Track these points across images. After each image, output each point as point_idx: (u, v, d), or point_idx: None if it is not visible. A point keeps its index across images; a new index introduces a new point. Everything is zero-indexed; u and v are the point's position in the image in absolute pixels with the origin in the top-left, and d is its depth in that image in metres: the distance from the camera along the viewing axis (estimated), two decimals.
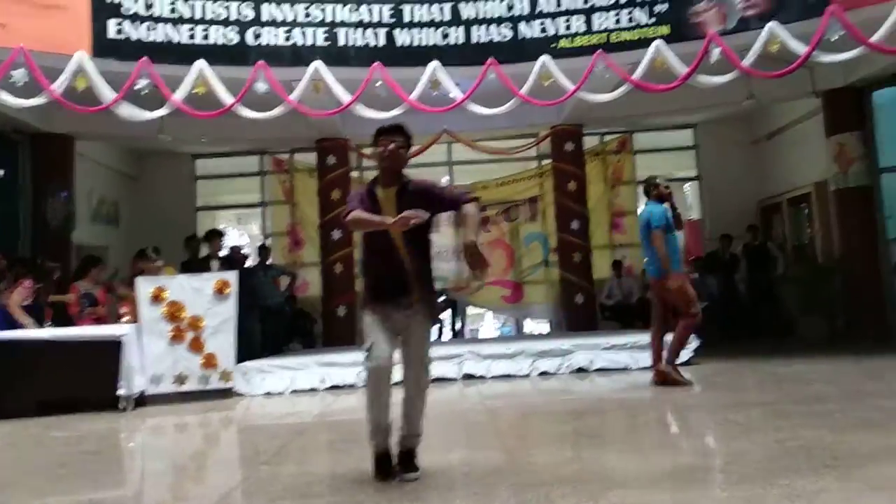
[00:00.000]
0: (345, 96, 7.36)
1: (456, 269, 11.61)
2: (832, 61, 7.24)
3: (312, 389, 7.33)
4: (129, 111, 6.98)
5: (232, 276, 7.32)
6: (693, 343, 7.61)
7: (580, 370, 7.47)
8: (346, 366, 7.36)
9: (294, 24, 7.63)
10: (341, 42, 7.68)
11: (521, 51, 7.79)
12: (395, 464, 3.37)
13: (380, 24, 7.77)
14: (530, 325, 13.95)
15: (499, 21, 7.89)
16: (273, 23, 7.58)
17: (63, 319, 7.40)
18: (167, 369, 6.99)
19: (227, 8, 7.49)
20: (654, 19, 7.73)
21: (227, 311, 7.20)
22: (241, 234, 14.61)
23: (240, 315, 7.37)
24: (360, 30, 7.73)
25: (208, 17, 7.41)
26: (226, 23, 7.47)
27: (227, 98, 7.09)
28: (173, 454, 4.92)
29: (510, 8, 7.91)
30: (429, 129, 9.65)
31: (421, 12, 7.85)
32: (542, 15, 7.89)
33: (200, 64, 7.04)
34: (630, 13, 7.79)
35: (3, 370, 6.52)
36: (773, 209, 11.80)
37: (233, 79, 7.13)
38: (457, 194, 3.40)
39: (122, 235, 11.07)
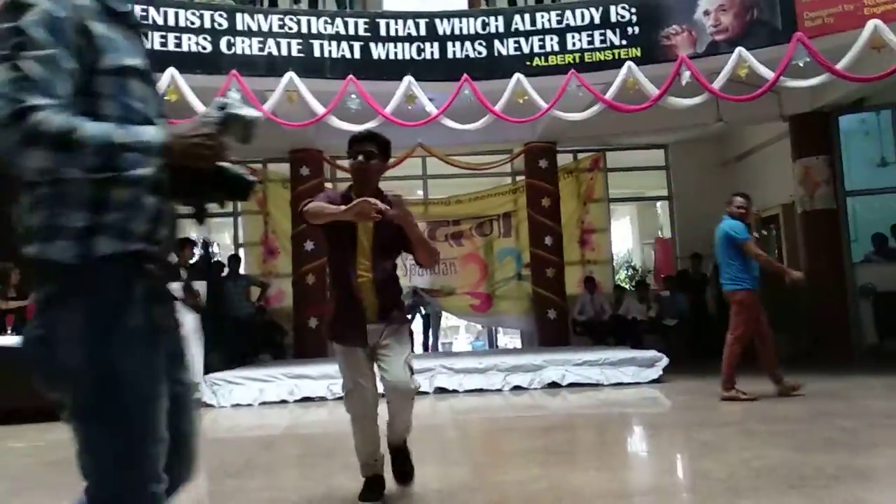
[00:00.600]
0: (319, 108, 7.34)
1: (429, 280, 11.66)
2: (799, 86, 7.43)
3: (282, 401, 7.24)
4: None
5: (201, 287, 7.22)
6: (662, 361, 7.69)
7: (552, 385, 7.48)
8: (317, 378, 7.28)
9: (269, 33, 7.59)
10: (316, 53, 7.66)
11: (495, 68, 7.85)
12: (391, 468, 3.33)
13: (355, 37, 7.77)
14: (503, 339, 13.99)
15: (474, 38, 7.94)
16: (247, 32, 7.54)
17: (24, 326, 7.23)
18: None
19: (200, 16, 7.43)
20: (626, 41, 7.84)
21: (194, 321, 7.08)
22: (214, 244, 14.44)
23: (209, 326, 7.26)
24: (335, 42, 7.72)
25: (181, 24, 7.34)
26: (199, 31, 7.40)
27: (198, 106, 7.01)
28: None
29: (485, 25, 7.97)
30: (404, 142, 9.62)
31: (397, 27, 7.87)
32: (517, 33, 7.96)
33: (172, 71, 6.97)
34: (603, 34, 7.89)
35: None
36: None
37: (205, 87, 7.06)
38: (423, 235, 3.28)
39: None
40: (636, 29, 7.84)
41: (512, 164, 11.66)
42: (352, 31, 7.79)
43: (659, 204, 13.67)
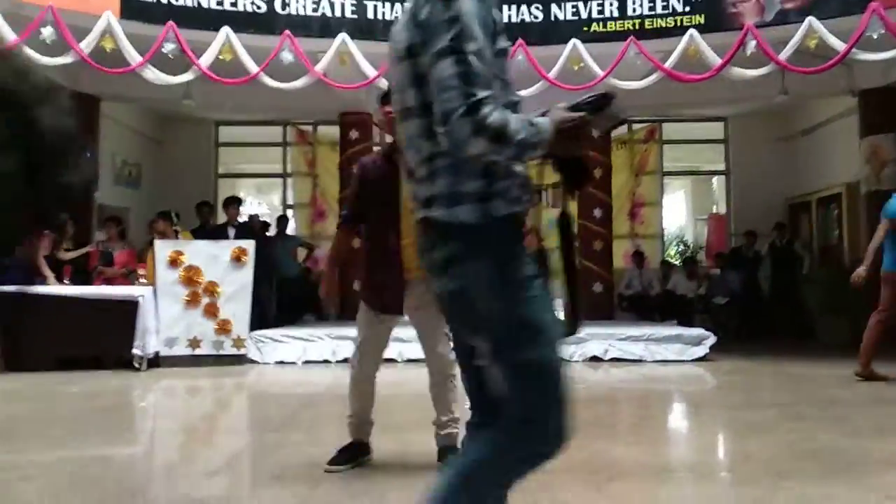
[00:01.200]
0: (370, 70, 7.30)
1: None
2: (871, 60, 7.05)
3: (325, 361, 7.35)
4: (154, 75, 6.99)
5: (249, 245, 7.33)
6: (709, 339, 7.53)
7: (594, 359, 7.41)
8: None
9: None
10: (370, 15, 7.60)
11: (552, 33, 7.67)
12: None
13: None
14: None
15: (530, 1, 7.75)
16: None
17: (81, 277, 7.52)
18: (181, 332, 7.05)
19: None
20: (689, 7, 7.56)
21: (243, 278, 7.23)
22: (259, 204, 14.66)
23: (255, 284, 7.40)
24: (388, 3, 7.64)
25: None
26: None
27: (252, 66, 7.06)
28: (183, 415, 4.97)
29: None
30: None
31: None
32: None
33: (227, 30, 7.01)
34: (665, 0, 7.61)
35: (24, 325, 6.66)
36: (801, 208, 11.58)
37: (259, 47, 7.10)
38: None
39: (144, 198, 11.13)
40: None
41: None
42: None
43: (715, 179, 13.28)
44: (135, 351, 6.71)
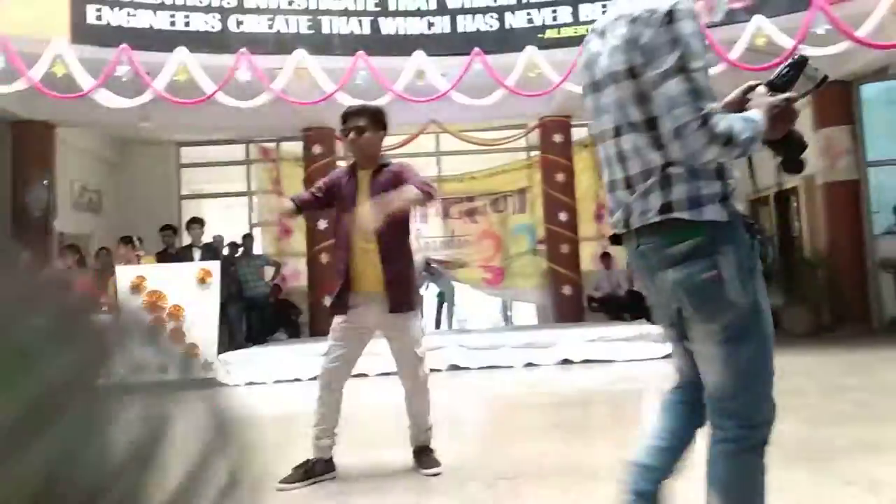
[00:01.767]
0: (329, 85, 7.30)
1: (443, 255, 11.67)
2: (819, 55, 7.22)
3: (296, 379, 7.29)
4: (108, 98, 6.91)
5: (214, 266, 7.26)
6: None
7: (565, 361, 7.46)
8: None
9: (277, 10, 7.55)
10: (325, 30, 7.61)
11: (507, 41, 7.74)
12: (413, 462, 3.35)
13: (364, 13, 7.70)
14: (519, 316, 13.95)
15: (485, 11, 7.83)
16: (256, 10, 7.51)
17: None
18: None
19: None
20: None
21: (208, 300, 7.15)
22: (226, 223, 14.54)
23: (223, 305, 7.32)
24: (344, 18, 7.66)
25: (190, 3, 7.32)
26: (207, 9, 7.38)
27: (208, 86, 7.02)
28: None
29: None
30: (416, 119, 9.59)
31: (406, 1, 7.77)
32: (528, 5, 7.84)
33: (181, 51, 6.96)
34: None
35: None
36: (760, 203, 11.80)
37: (215, 66, 7.06)
38: (418, 180, 3.15)
39: (105, 223, 10.96)
40: None
41: (527, 139, 11.54)
42: (360, 7, 7.72)
43: None
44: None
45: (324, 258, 10.03)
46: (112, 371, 0.60)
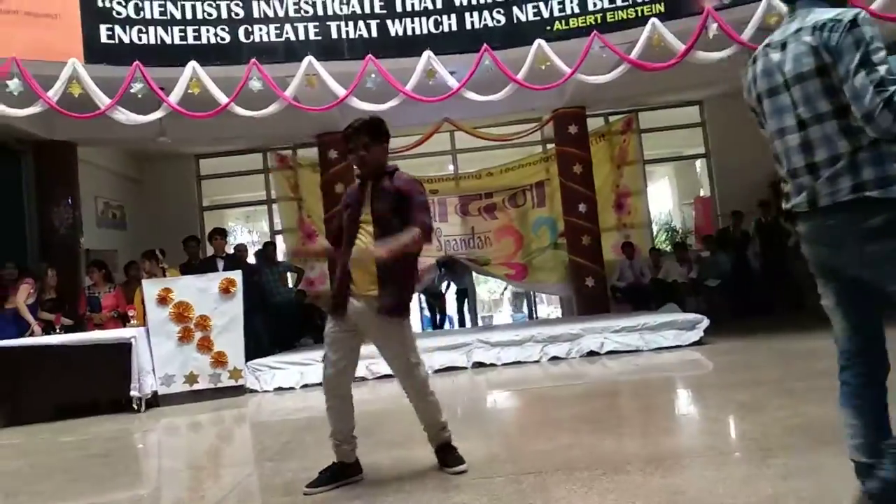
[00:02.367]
0: (340, 90, 7.34)
1: (465, 253, 11.68)
2: None
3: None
4: (125, 116, 7.01)
5: (237, 275, 7.34)
6: (702, 323, 7.55)
7: (591, 353, 7.42)
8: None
9: (286, 19, 7.60)
10: (334, 35, 7.65)
11: (515, 36, 7.71)
12: (437, 462, 3.37)
13: (371, 16, 7.72)
14: (544, 309, 13.93)
15: (491, 6, 7.81)
16: (264, 19, 7.56)
17: (74, 323, 7.56)
18: (178, 369, 7.05)
19: (217, 7, 7.48)
20: None
21: (233, 309, 7.24)
22: (250, 232, 14.70)
23: (247, 313, 7.40)
24: (351, 22, 7.69)
25: (199, 16, 7.40)
26: (216, 22, 7.45)
27: (221, 97, 7.09)
28: (181, 454, 4.96)
29: None
30: (429, 118, 9.62)
31: (413, 1, 7.78)
32: None
33: (193, 65, 7.04)
34: None
35: (20, 377, 6.67)
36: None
37: (227, 78, 7.14)
38: (415, 216, 3.14)
39: (130, 238, 11.15)
40: None
41: (542, 132, 11.49)
42: (367, 10, 7.75)
43: (698, 162, 13.33)
44: (132, 392, 6.71)
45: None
46: None
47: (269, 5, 7.59)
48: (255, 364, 7.51)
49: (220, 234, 8.53)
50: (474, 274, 12.20)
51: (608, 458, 3.26)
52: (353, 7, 7.71)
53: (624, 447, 3.46)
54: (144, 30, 7.25)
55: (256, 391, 7.33)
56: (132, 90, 6.90)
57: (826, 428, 3.31)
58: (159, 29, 7.31)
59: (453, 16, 7.78)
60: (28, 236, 8.88)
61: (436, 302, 11.83)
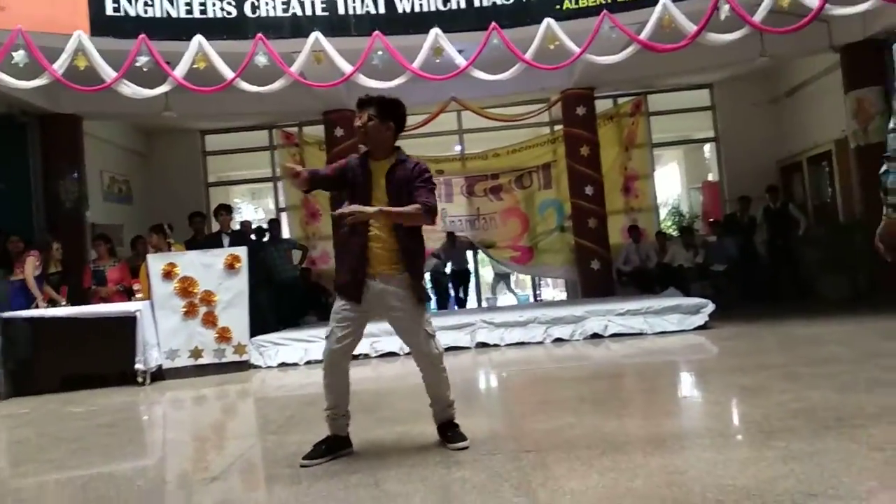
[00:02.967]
0: (346, 66, 7.29)
1: (469, 235, 11.65)
2: (848, 13, 7.01)
3: None
4: (130, 89, 6.98)
5: (242, 251, 7.35)
6: (707, 307, 7.54)
7: (595, 336, 7.43)
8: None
9: None
10: (341, 11, 7.57)
11: (524, 14, 7.63)
12: (439, 438, 3.41)
13: None
14: (548, 292, 13.93)
15: None
16: None
17: (81, 296, 7.60)
18: (182, 344, 7.09)
19: None
20: None
21: (238, 285, 7.26)
22: (256, 209, 14.71)
23: (252, 289, 7.42)
24: None
25: None
26: None
27: (227, 72, 7.05)
28: (184, 426, 5.00)
29: None
30: (436, 97, 9.55)
31: None
32: None
33: (199, 39, 7.00)
34: None
35: (28, 348, 6.74)
36: (793, 169, 11.55)
37: (232, 53, 7.09)
38: (419, 195, 3.20)
39: (136, 213, 11.17)
40: None
41: (550, 113, 11.42)
42: None
43: (707, 146, 13.25)
44: (137, 366, 6.76)
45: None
46: None
47: None
48: (259, 340, 7.55)
49: (226, 210, 8.54)
50: (478, 255, 12.18)
51: (609, 438, 3.26)
52: None
53: (625, 428, 3.47)
54: (150, 2, 7.19)
55: (260, 367, 7.37)
56: (137, 64, 6.86)
57: (829, 412, 3.31)
58: (165, 2, 7.23)
59: None
60: (34, 209, 8.89)
61: (443, 279, 11.76)
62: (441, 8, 7.68)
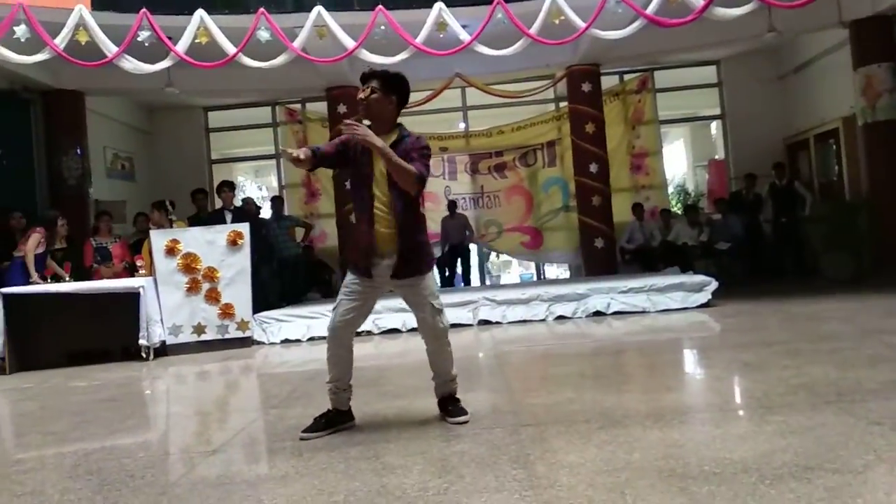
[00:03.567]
0: (349, 42, 7.23)
1: (474, 216, 11.59)
2: None
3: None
4: (132, 64, 6.95)
5: (245, 228, 7.35)
6: (711, 285, 7.52)
7: (597, 314, 7.43)
8: None
9: None
10: None
11: None
12: (440, 412, 3.42)
13: None
14: (551, 271, 13.91)
15: None
16: None
17: (82, 273, 7.61)
18: (185, 320, 7.12)
19: None
20: None
21: (241, 261, 7.27)
22: (259, 186, 14.70)
23: (255, 267, 7.43)
24: None
25: None
26: None
27: (229, 47, 7.01)
28: (186, 400, 5.03)
29: None
30: (440, 73, 9.49)
31: None
32: None
33: (200, 13, 6.95)
34: None
35: (32, 324, 6.77)
36: (799, 146, 11.46)
37: (235, 28, 7.05)
38: (414, 162, 3.17)
39: (139, 189, 11.18)
40: None
41: (555, 90, 11.34)
42: None
43: (714, 124, 13.15)
44: (141, 341, 6.80)
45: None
46: None
47: None
48: (262, 316, 7.58)
49: (228, 186, 8.52)
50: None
51: (608, 412, 3.27)
52: None
53: (625, 403, 3.47)
54: None
55: (263, 343, 7.40)
56: (139, 38, 6.83)
57: (830, 387, 3.31)
58: None
59: None
60: (38, 186, 8.90)
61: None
62: None
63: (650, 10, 7.18)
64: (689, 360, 5.02)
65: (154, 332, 6.91)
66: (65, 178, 9.00)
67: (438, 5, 7.30)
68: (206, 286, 7.16)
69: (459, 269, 11.12)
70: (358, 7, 7.48)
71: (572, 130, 10.51)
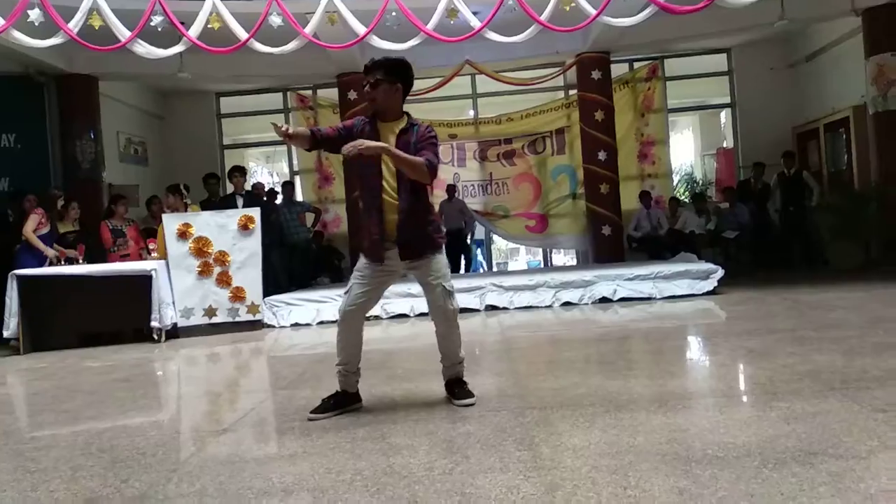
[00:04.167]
0: (360, 28, 7.24)
1: (482, 202, 11.60)
2: None
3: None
4: (145, 49, 6.99)
5: (255, 212, 7.42)
6: (717, 273, 7.54)
7: (603, 300, 7.46)
8: None
9: None
10: None
11: None
12: (446, 394, 3.48)
13: None
14: (559, 258, 13.93)
15: None
16: None
17: (97, 255, 7.70)
18: (197, 303, 7.20)
19: None
20: None
21: (252, 245, 7.33)
22: (270, 172, 14.75)
23: (266, 251, 7.49)
24: None
25: None
26: None
27: (241, 33, 7.03)
28: (197, 381, 5.11)
29: None
30: (450, 60, 9.49)
31: None
32: None
33: None
34: None
35: (45, 305, 6.87)
36: (809, 135, 11.39)
37: (247, 13, 7.06)
38: (423, 152, 3.22)
39: (152, 174, 11.25)
40: None
41: (564, 78, 11.31)
42: None
43: (723, 113, 13.09)
44: (153, 324, 6.89)
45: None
46: None
47: None
48: (272, 300, 7.65)
49: (240, 171, 8.58)
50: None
51: (613, 397, 3.31)
52: None
53: (630, 388, 3.51)
54: None
55: (273, 326, 7.48)
56: (152, 23, 6.86)
57: (835, 374, 3.34)
58: None
59: None
60: (52, 169, 8.98)
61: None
62: None
63: None
64: (695, 346, 5.06)
65: (166, 314, 7.00)
66: (79, 162, 9.08)
67: None
68: (217, 270, 7.23)
69: (462, 265, 11.09)
70: None
71: (581, 118, 10.50)
